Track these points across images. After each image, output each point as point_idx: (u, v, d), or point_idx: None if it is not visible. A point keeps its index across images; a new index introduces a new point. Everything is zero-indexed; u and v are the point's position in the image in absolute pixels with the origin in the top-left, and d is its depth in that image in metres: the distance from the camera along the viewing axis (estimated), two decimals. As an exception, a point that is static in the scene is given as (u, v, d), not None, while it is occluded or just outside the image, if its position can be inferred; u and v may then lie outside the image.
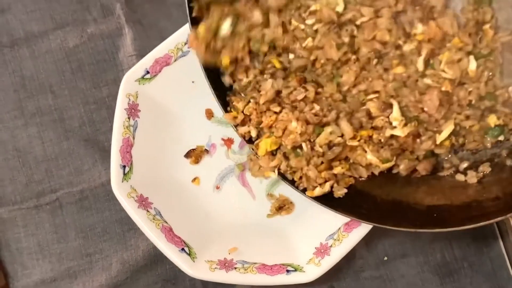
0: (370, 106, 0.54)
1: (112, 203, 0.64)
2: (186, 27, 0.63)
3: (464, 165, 0.55)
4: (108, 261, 0.62)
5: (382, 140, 0.55)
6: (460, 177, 0.55)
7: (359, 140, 0.55)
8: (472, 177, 0.54)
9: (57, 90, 0.67)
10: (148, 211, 0.58)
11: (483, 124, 0.53)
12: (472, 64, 0.52)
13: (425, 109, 0.53)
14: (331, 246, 0.58)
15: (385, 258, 0.63)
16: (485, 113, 0.53)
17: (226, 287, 0.61)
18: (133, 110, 0.61)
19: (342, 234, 0.58)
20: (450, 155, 0.56)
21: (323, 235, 0.60)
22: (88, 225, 0.64)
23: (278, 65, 0.55)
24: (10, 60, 0.68)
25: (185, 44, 0.63)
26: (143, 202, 0.59)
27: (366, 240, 0.60)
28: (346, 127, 0.54)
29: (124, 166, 0.59)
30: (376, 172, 0.56)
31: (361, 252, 0.63)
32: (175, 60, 0.63)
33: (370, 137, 0.55)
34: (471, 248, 0.64)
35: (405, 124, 0.53)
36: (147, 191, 0.60)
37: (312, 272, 0.57)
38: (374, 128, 0.55)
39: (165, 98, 0.64)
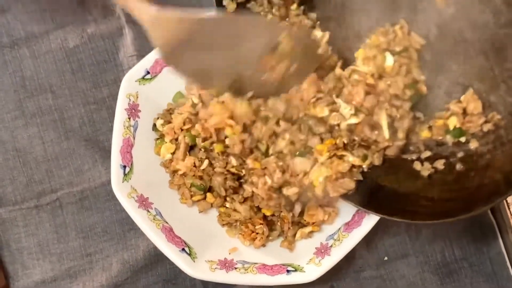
0: (317, 111, 0.56)
1: (113, 203, 0.64)
2: None
3: (426, 154, 0.56)
4: (109, 261, 0.62)
5: (346, 141, 0.55)
6: (417, 166, 0.55)
7: (329, 153, 0.55)
8: (425, 169, 0.55)
9: (58, 90, 0.67)
10: (148, 211, 0.58)
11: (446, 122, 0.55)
12: (388, 60, 0.55)
13: (356, 99, 0.55)
14: (331, 246, 0.58)
15: (385, 258, 0.63)
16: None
17: (227, 287, 0.61)
18: (133, 111, 0.61)
19: (342, 234, 0.58)
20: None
21: (323, 235, 0.60)
22: (89, 225, 0.64)
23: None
24: (10, 60, 0.68)
25: None
26: (143, 202, 0.59)
27: (366, 240, 0.60)
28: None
29: (125, 166, 0.59)
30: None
31: (361, 252, 0.63)
32: None
33: (336, 144, 0.55)
34: (471, 248, 0.64)
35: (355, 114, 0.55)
36: (148, 191, 0.60)
37: (312, 272, 0.57)
38: (333, 135, 0.56)
39: (166, 98, 0.63)
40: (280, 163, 0.56)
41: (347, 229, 0.58)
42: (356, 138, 0.55)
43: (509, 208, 0.61)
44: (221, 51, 0.52)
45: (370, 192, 0.56)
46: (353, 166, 0.55)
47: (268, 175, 0.56)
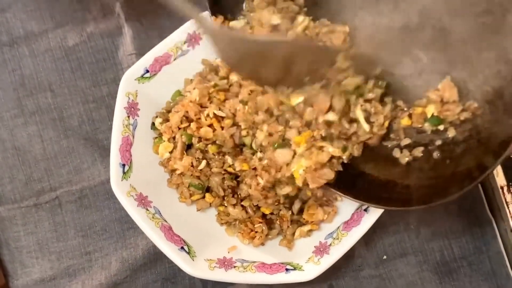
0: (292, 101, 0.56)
1: (112, 201, 0.64)
2: (186, 26, 0.63)
3: (406, 142, 0.56)
4: (108, 260, 0.62)
5: (324, 134, 0.55)
6: (396, 153, 0.56)
7: (307, 144, 0.55)
8: (404, 157, 0.55)
9: (57, 89, 0.67)
10: (147, 209, 0.58)
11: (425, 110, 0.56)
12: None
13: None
14: (330, 245, 0.58)
15: (384, 257, 0.63)
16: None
17: (226, 285, 0.61)
18: (132, 109, 0.61)
19: (341, 233, 0.58)
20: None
21: (323, 234, 0.60)
22: (88, 223, 0.64)
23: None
24: (10, 59, 0.68)
25: (185, 43, 0.63)
26: (142, 201, 0.58)
27: (366, 239, 0.60)
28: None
29: (124, 165, 0.59)
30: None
31: (360, 251, 0.63)
32: (174, 59, 0.63)
33: (313, 136, 0.55)
34: (470, 247, 0.64)
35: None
36: (147, 189, 0.60)
37: (311, 271, 0.57)
38: (311, 128, 0.56)
39: (165, 97, 0.63)
40: (265, 162, 0.56)
41: (346, 228, 0.58)
42: (334, 132, 0.55)
43: (508, 207, 0.61)
44: (275, 68, 0.54)
45: (350, 178, 0.56)
46: (332, 157, 0.55)
47: (259, 175, 0.57)
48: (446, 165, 0.53)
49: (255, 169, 0.57)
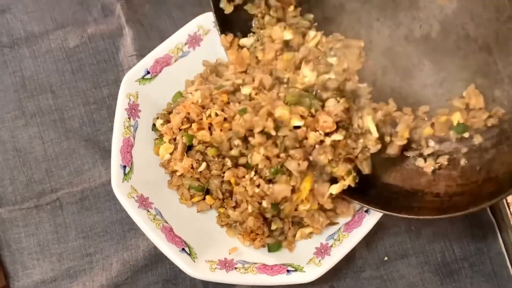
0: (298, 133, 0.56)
1: (113, 203, 0.64)
2: (186, 28, 0.64)
3: (429, 151, 0.56)
4: (109, 261, 0.62)
5: (331, 157, 0.55)
6: (420, 162, 0.56)
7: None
8: (429, 166, 0.55)
9: (58, 90, 0.67)
10: (148, 211, 0.58)
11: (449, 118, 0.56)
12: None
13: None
14: (331, 246, 0.58)
15: (385, 258, 0.63)
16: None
17: (227, 287, 0.61)
18: (133, 110, 0.61)
19: (343, 234, 0.58)
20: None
21: (324, 235, 0.60)
22: (89, 225, 0.63)
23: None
24: (11, 60, 0.68)
25: (185, 44, 0.64)
26: (143, 202, 0.58)
27: (367, 240, 0.60)
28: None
29: (125, 166, 0.59)
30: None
31: (361, 252, 0.63)
32: (175, 61, 0.64)
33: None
34: (471, 248, 0.64)
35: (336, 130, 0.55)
36: (148, 191, 0.60)
37: (312, 272, 0.57)
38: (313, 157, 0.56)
39: (166, 98, 0.63)
40: (256, 190, 0.56)
41: (347, 229, 0.58)
42: (342, 152, 0.55)
43: (509, 208, 0.61)
44: None
45: (376, 190, 0.56)
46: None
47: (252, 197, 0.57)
48: (476, 171, 0.53)
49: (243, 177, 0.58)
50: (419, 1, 0.56)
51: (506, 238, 0.63)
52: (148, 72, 0.62)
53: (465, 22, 0.54)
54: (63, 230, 0.63)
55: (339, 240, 0.58)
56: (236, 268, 0.58)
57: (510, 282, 0.63)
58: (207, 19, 0.64)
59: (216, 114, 0.58)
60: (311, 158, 0.55)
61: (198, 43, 0.65)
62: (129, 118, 0.60)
